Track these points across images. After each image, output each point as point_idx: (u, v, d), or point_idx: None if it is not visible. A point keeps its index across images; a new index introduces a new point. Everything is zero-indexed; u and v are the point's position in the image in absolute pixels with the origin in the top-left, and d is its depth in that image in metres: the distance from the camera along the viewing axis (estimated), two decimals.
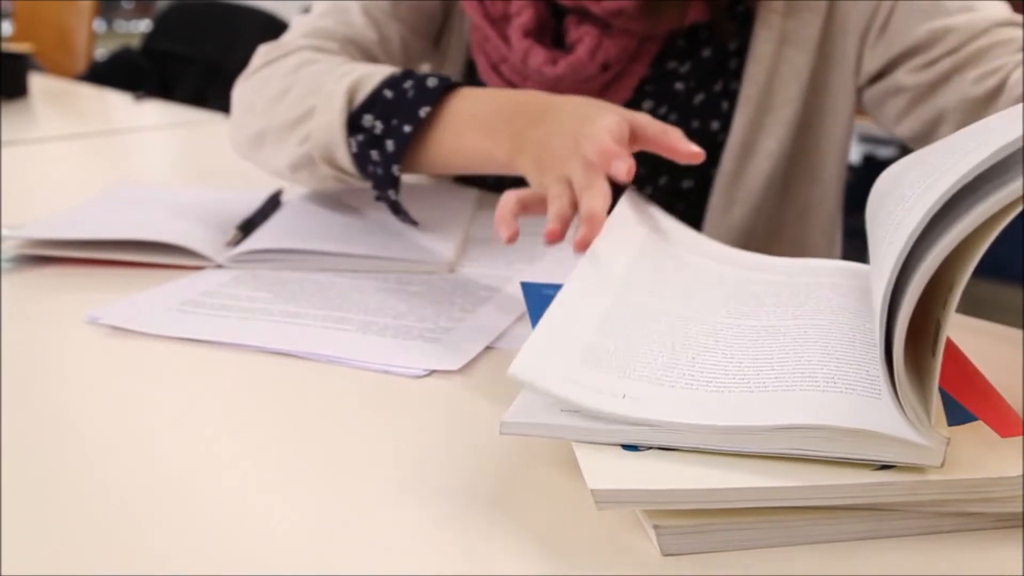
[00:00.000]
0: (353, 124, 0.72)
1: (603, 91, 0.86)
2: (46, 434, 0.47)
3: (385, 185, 0.72)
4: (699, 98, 0.87)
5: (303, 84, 0.77)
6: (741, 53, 0.86)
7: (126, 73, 2.15)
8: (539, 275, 0.70)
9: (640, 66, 0.86)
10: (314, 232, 0.74)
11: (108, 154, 1.19)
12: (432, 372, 0.54)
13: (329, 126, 0.72)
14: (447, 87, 0.72)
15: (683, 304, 0.50)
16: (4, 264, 0.70)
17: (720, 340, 0.46)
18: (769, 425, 0.38)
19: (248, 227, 0.75)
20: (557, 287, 0.55)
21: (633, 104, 0.87)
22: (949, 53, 0.78)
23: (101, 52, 2.46)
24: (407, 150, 0.71)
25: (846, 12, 0.84)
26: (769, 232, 0.90)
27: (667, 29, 0.84)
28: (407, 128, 0.70)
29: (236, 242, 0.72)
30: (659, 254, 0.57)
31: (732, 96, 0.87)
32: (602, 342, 0.45)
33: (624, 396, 0.41)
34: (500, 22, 0.86)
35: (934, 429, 0.37)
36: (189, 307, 0.62)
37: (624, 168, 0.57)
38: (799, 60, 0.84)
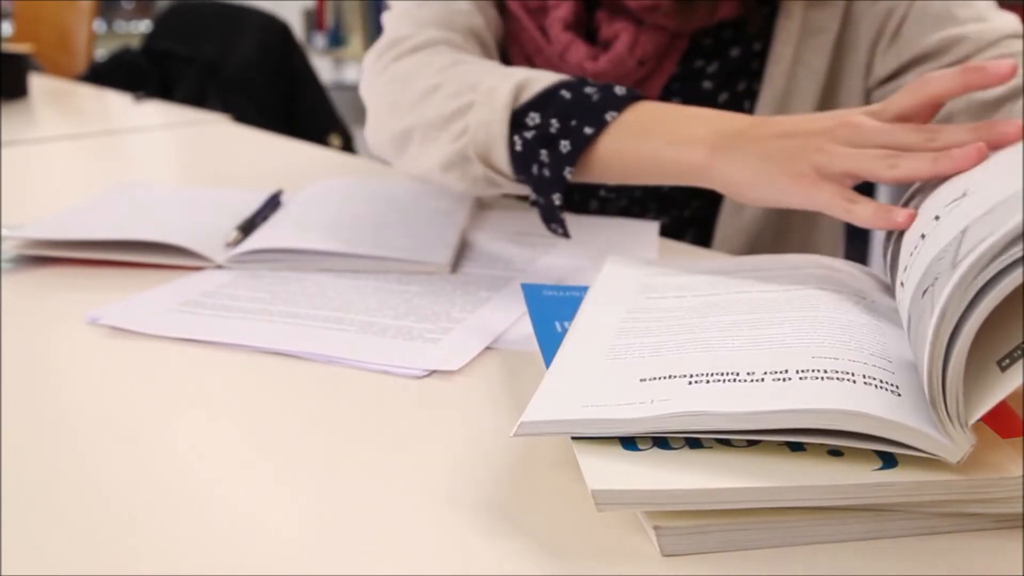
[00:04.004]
0: (516, 121, 0.69)
1: (635, 87, 0.86)
2: (46, 434, 0.47)
3: (551, 188, 0.68)
4: (723, 97, 0.88)
5: (456, 81, 0.73)
6: (764, 54, 0.87)
7: (126, 73, 2.15)
8: (539, 275, 0.70)
9: (669, 63, 0.87)
10: (314, 232, 0.74)
11: (108, 154, 1.19)
12: (432, 372, 0.54)
13: (490, 122, 0.69)
14: (635, 97, 0.68)
15: (692, 322, 0.50)
16: (4, 264, 0.70)
17: (737, 341, 0.46)
18: (803, 408, 0.38)
19: (248, 227, 0.75)
20: (557, 288, 0.55)
21: (661, 101, 0.87)
22: (959, 62, 0.78)
23: (101, 52, 2.46)
24: (583, 154, 0.67)
25: (860, 15, 0.84)
26: (777, 234, 0.90)
27: (697, 26, 0.85)
28: (588, 130, 0.67)
29: (236, 242, 0.72)
30: (659, 293, 0.56)
31: (754, 96, 0.87)
32: (613, 367, 0.45)
33: (652, 401, 0.41)
34: (537, 13, 0.87)
35: (966, 430, 0.37)
36: (189, 307, 0.62)
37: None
38: (815, 61, 0.85)
